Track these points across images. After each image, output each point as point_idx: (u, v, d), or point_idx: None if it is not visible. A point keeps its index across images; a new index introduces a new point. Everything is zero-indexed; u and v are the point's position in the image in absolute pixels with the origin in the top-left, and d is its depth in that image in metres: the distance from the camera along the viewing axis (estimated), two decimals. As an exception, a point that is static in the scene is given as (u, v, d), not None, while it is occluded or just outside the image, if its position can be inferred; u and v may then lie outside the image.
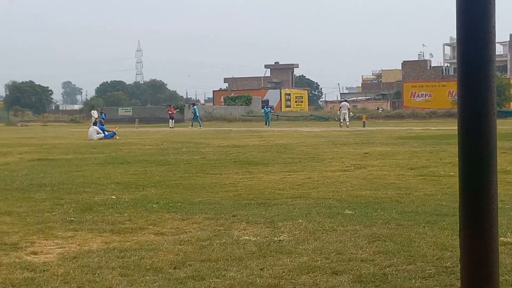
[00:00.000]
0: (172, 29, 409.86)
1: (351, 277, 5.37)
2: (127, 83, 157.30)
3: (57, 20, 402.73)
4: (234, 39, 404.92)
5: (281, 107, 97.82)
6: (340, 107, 51.11)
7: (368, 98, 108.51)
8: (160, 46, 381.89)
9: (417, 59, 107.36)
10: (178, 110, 68.64)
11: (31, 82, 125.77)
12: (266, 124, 56.96)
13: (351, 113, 51.76)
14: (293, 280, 5.33)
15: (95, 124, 35.76)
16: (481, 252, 1.49)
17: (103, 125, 35.52)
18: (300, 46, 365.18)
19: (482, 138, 1.51)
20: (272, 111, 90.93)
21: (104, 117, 49.30)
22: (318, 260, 5.98)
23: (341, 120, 49.46)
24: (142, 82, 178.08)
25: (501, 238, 6.74)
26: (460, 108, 1.56)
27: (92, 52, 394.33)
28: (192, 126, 55.45)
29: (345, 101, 55.03)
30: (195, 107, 61.46)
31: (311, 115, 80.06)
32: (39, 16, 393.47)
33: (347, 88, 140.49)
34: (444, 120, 69.91)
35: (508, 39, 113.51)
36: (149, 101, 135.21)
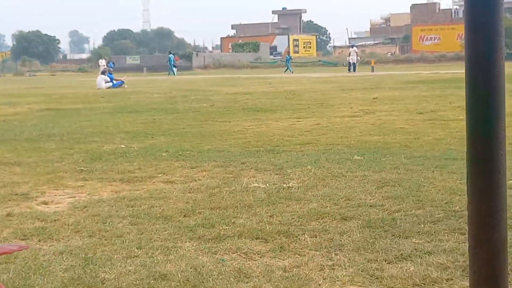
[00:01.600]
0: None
1: (360, 222, 5.38)
2: (135, 32, 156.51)
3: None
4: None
5: (289, 53, 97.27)
6: (349, 52, 50.95)
7: (377, 43, 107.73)
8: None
9: (426, 2, 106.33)
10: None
11: (38, 31, 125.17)
12: (288, 70, 56.25)
13: (358, 57, 51.48)
14: (303, 227, 5.35)
15: (103, 73, 35.62)
16: (489, 198, 1.47)
17: (111, 74, 35.42)
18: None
19: (490, 83, 1.48)
20: (280, 57, 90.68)
21: (112, 66, 49.17)
22: (327, 206, 5.99)
23: (350, 65, 49.22)
24: (149, 30, 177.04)
25: (510, 182, 6.74)
26: (467, 53, 1.52)
27: (99, 0, 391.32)
28: (169, 75, 54.94)
29: (353, 46, 54.70)
30: (170, 55, 60.72)
31: (320, 60, 79.71)
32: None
33: (355, 33, 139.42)
34: (453, 63, 69.51)
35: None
36: (157, 49, 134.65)
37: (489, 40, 1.49)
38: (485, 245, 1.47)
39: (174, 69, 56.90)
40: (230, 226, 5.42)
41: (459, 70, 41.66)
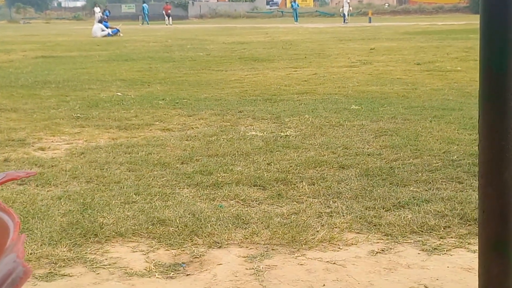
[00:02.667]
0: None
1: (358, 171, 5.38)
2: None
3: None
4: None
5: (285, 3, 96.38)
6: (343, 3, 50.78)
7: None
8: None
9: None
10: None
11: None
12: (295, 20, 55.29)
13: (350, 8, 51.11)
14: (300, 174, 5.35)
15: (100, 21, 35.33)
16: (500, 136, 1.45)
17: (106, 22, 35.14)
18: None
19: (505, 17, 1.45)
20: (277, 7, 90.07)
21: (108, 14, 48.68)
22: (325, 155, 5.99)
23: (346, 16, 49.02)
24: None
25: (508, 132, 6.74)
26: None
27: None
28: (142, 24, 54.75)
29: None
30: (144, 4, 60.51)
31: (317, 11, 79.11)
32: None
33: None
34: (451, 14, 69.15)
35: None
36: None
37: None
38: (495, 184, 1.45)
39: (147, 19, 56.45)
40: (227, 173, 5.42)
41: (457, 22, 41.50)
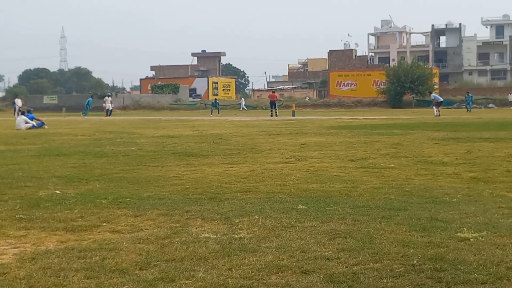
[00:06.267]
0: (98, 14, 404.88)
1: (321, 276, 5.36)
2: (51, 71, 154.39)
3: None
4: (161, 26, 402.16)
5: (208, 96, 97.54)
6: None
7: (295, 87, 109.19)
8: (85, 31, 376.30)
9: (343, 48, 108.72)
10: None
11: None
12: (215, 112, 59.47)
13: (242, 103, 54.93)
14: (264, 281, 5.29)
15: (23, 113, 34.91)
16: None
17: (32, 114, 34.72)
18: (226, 33, 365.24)
19: None
20: (200, 99, 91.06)
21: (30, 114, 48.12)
22: (284, 259, 5.95)
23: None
24: (66, 69, 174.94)
25: (458, 234, 6.87)
26: None
27: (14, 38, 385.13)
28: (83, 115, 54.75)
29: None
30: (89, 98, 61.03)
31: (239, 103, 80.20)
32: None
33: (273, 77, 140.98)
34: (369, 108, 71.24)
35: (430, 30, 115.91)
36: (74, 89, 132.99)
37: None
38: None
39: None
40: (190, 280, 5.33)
41: (377, 116, 42.71)
